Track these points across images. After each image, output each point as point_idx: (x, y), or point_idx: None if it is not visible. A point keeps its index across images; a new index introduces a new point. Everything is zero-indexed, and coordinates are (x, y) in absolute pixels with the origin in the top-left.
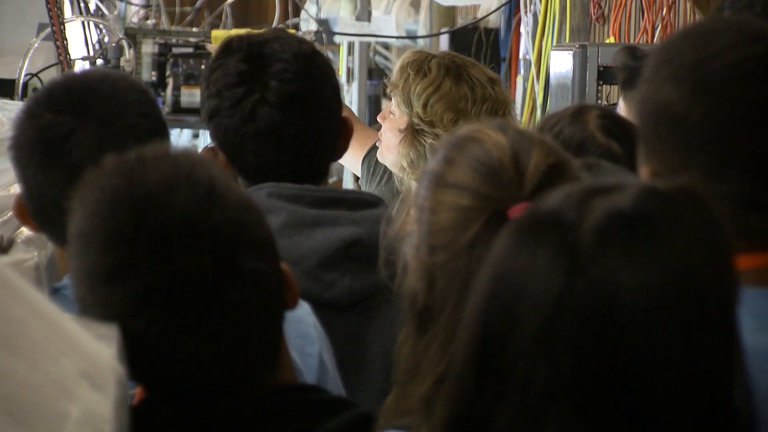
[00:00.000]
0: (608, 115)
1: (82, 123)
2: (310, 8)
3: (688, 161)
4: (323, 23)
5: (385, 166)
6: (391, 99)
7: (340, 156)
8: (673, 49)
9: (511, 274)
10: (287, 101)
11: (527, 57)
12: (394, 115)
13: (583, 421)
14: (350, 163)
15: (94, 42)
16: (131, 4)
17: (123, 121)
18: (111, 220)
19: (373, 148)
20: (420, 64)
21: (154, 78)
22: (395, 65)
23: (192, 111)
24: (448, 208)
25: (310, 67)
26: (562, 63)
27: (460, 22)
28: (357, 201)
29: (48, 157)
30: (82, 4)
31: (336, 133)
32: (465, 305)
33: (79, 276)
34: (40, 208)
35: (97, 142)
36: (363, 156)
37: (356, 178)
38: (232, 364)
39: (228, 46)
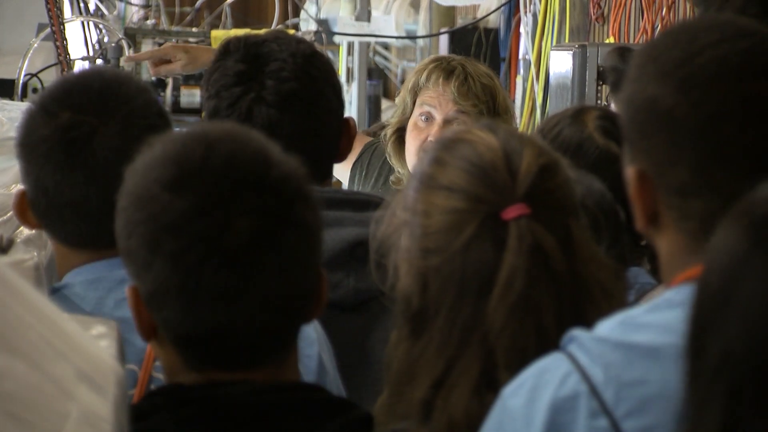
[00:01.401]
0: (607, 116)
1: (104, 123)
2: (309, 8)
3: (675, 157)
4: (323, 23)
5: (380, 167)
6: (394, 100)
7: (343, 157)
8: (658, 48)
9: (710, 251)
10: (284, 100)
11: (527, 57)
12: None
13: (743, 399)
14: (337, 170)
15: (94, 42)
16: (131, 4)
17: (144, 122)
18: (182, 145)
19: (365, 151)
20: None
21: (153, 78)
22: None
23: (192, 111)
24: (440, 210)
25: (309, 67)
26: (561, 63)
27: (460, 22)
28: (363, 202)
29: (70, 158)
30: (81, 4)
31: (337, 133)
32: (461, 308)
33: (136, 194)
34: (53, 207)
35: (120, 143)
36: (354, 161)
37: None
38: (261, 314)
39: (226, 47)
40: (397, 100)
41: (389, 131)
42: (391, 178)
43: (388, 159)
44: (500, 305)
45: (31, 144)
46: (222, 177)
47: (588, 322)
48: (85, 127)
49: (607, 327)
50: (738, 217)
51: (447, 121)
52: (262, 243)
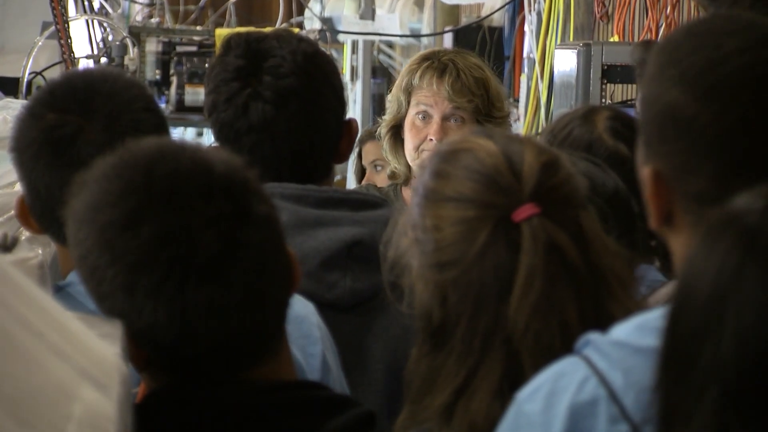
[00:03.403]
0: (618, 116)
1: (89, 121)
2: (314, 7)
3: (695, 165)
4: (327, 22)
5: None
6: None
7: (343, 158)
8: (680, 49)
9: (693, 261)
10: (280, 97)
11: (531, 56)
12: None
13: (734, 404)
14: None
15: (98, 40)
16: (135, 2)
17: (130, 117)
18: (119, 179)
19: None
20: None
21: (158, 76)
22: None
23: (196, 109)
24: (451, 222)
25: (308, 65)
26: (566, 62)
27: (464, 20)
28: (360, 201)
29: (57, 158)
30: (86, 3)
31: (336, 133)
32: (481, 315)
33: (92, 240)
34: (48, 208)
35: (106, 139)
36: None
37: (359, 178)
38: (251, 314)
39: (228, 43)
40: (389, 97)
41: (384, 129)
42: (387, 172)
43: (383, 154)
44: (522, 307)
45: (22, 147)
46: (171, 198)
47: (609, 314)
48: (70, 126)
49: (624, 331)
50: (724, 226)
51: (445, 119)
52: (230, 247)
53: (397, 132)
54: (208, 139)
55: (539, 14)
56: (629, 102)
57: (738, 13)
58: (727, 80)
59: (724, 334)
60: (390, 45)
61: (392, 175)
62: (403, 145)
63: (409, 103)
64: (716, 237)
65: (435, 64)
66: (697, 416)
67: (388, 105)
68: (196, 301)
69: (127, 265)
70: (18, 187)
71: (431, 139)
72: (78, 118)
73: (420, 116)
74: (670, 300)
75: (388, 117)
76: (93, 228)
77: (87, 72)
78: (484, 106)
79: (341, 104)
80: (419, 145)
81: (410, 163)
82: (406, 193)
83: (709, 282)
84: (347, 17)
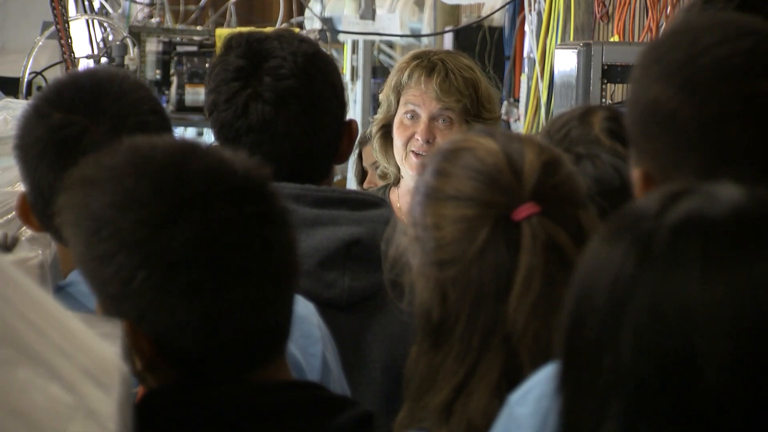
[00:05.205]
0: (614, 117)
1: (95, 122)
2: (314, 6)
3: (679, 161)
4: (327, 22)
5: None
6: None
7: (343, 158)
8: (660, 48)
9: (591, 266)
10: (280, 98)
11: (531, 55)
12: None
13: (639, 413)
14: None
15: (99, 40)
16: (135, 2)
17: (136, 119)
18: (145, 178)
19: None
20: None
21: (158, 76)
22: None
23: (196, 109)
24: (452, 220)
25: (308, 66)
26: (566, 61)
27: (464, 20)
28: (359, 201)
29: (62, 157)
30: (86, 3)
31: (336, 134)
32: (480, 313)
33: (118, 240)
34: (50, 206)
35: (111, 140)
36: None
37: (359, 180)
38: (277, 311)
39: (229, 42)
40: (380, 96)
41: (374, 128)
42: (378, 172)
43: (374, 155)
44: (521, 306)
45: (26, 145)
46: (205, 197)
47: None
48: (76, 126)
49: None
50: (621, 230)
51: (432, 119)
52: (264, 246)
53: (387, 132)
54: (208, 139)
55: (539, 14)
56: None
57: (714, 12)
58: (706, 72)
59: (621, 344)
60: (390, 45)
61: (383, 176)
62: (393, 144)
63: (398, 102)
64: (613, 242)
65: (424, 62)
66: (606, 425)
67: (380, 104)
68: (232, 300)
69: (165, 264)
70: (18, 187)
71: (418, 139)
72: (84, 118)
73: (408, 115)
74: (567, 303)
75: (378, 116)
76: (119, 228)
77: (94, 72)
78: (473, 107)
79: (341, 105)
80: (407, 143)
81: (399, 163)
82: (394, 194)
83: (605, 289)
84: (347, 17)
